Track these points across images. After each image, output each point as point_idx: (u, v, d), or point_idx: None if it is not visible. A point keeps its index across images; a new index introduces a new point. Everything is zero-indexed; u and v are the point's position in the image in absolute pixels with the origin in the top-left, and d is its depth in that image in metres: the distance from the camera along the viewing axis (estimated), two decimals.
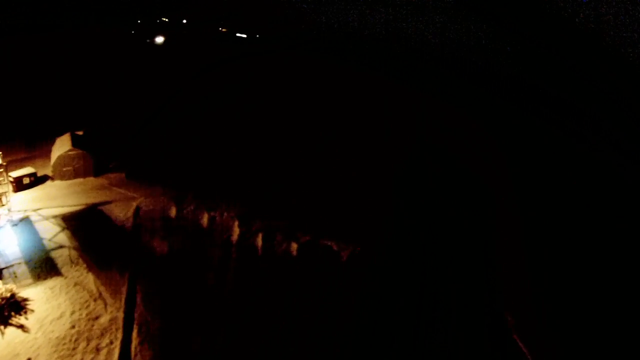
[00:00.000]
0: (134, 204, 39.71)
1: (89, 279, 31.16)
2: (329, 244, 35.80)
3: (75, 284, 30.80)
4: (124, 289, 30.84)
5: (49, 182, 42.67)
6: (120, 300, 30.12)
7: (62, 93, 67.64)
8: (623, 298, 40.47)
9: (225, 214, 38.01)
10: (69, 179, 42.81)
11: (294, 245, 34.93)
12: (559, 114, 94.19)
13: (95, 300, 29.72)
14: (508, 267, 40.79)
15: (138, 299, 29.90)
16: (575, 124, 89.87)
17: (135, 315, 28.77)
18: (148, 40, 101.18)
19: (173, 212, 38.20)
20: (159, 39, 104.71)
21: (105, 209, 38.59)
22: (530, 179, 59.54)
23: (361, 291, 32.31)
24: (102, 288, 30.76)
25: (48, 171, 44.13)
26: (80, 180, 43.34)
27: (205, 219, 37.59)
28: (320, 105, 75.26)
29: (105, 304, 29.87)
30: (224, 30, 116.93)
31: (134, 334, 27.62)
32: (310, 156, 52.75)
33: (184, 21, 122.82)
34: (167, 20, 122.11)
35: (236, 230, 36.66)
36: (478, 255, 41.78)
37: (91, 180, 43.62)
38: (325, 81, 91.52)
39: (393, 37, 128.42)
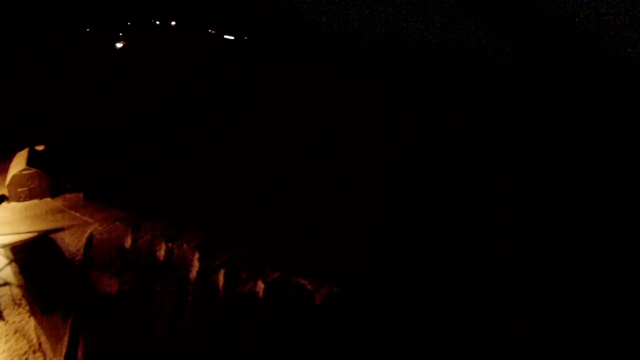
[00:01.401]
0: (88, 232, 33.22)
1: (30, 326, 25.59)
2: (302, 281, 28.78)
3: (16, 331, 25.44)
4: (66, 339, 25.67)
5: (4, 204, 36.65)
6: (61, 354, 24.79)
7: (33, 101, 60.76)
8: (623, 298, 37.82)
9: (185, 245, 30.78)
10: (25, 200, 36.59)
11: (261, 285, 27.82)
12: (559, 114, 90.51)
13: (34, 352, 24.57)
14: (508, 267, 37.43)
15: (79, 354, 24.44)
16: (575, 124, 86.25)
17: None
18: (134, 44, 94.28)
19: (128, 242, 31.48)
20: (143, 43, 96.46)
21: (58, 237, 32.24)
22: (530, 179, 56.43)
23: (340, 336, 26.26)
24: (42, 337, 25.14)
25: (5, 190, 38.05)
26: (36, 202, 36.97)
27: (162, 251, 30.74)
28: (318, 106, 71.78)
29: (45, 358, 25.30)
30: (212, 31, 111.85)
31: None
32: (296, 165, 46.24)
33: (173, 23, 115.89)
34: (158, 22, 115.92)
35: (196, 265, 29.77)
36: (478, 255, 38.54)
37: (48, 201, 37.29)
38: (324, 81, 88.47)
39: (393, 37, 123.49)
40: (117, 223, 33.38)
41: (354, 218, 37.99)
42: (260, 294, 26.99)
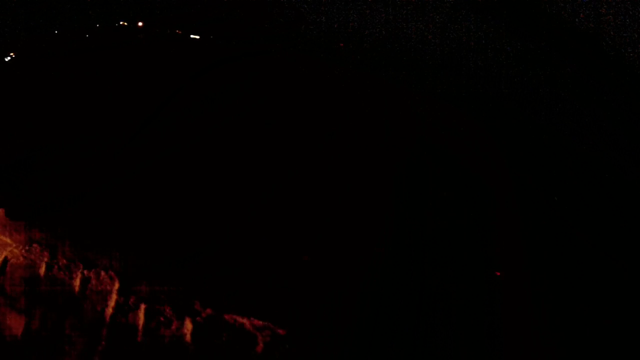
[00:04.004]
0: (3, 255, 23.91)
1: None
2: (241, 320, 18.41)
3: None
4: None
5: None
6: None
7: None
8: (624, 298, 34.52)
9: (104, 272, 20.40)
10: None
11: (188, 326, 17.11)
12: (559, 114, 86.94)
13: None
14: (508, 267, 34.07)
15: None
16: (575, 124, 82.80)
17: None
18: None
19: (42, 269, 21.16)
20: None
21: None
22: (530, 179, 53.16)
23: None
24: None
25: None
26: None
27: (77, 280, 19.98)
28: (318, 105, 68.26)
29: None
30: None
31: None
32: (284, 170, 43.39)
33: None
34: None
35: (114, 299, 19.29)
36: (478, 255, 35.14)
37: None
38: (325, 81, 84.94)
39: (393, 37, 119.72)
40: (35, 245, 24.98)
41: (349, 223, 34.80)
42: (187, 336, 16.71)
